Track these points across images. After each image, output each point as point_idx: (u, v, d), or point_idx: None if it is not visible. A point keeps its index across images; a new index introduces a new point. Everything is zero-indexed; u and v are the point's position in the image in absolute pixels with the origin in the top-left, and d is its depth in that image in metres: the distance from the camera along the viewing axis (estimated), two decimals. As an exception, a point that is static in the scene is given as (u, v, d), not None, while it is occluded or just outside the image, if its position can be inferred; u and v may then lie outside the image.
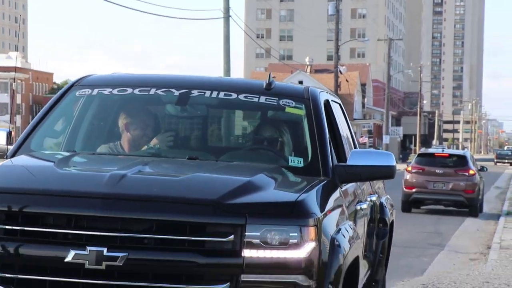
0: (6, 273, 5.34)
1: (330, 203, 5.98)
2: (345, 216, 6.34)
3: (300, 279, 5.33)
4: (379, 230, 8.68)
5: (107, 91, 7.22)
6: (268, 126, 7.20)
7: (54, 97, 7.31)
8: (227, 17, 50.62)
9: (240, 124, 7.59)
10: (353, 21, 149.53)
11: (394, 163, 6.77)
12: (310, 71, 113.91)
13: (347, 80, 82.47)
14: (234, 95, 7.12)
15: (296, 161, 6.68)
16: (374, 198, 8.45)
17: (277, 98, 7.07)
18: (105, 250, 5.21)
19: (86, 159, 6.62)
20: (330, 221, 5.78)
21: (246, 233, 5.27)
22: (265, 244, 5.28)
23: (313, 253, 5.36)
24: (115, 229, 5.27)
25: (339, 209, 6.20)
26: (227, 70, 50.11)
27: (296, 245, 5.32)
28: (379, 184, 9.14)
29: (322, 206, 5.72)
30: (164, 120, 7.31)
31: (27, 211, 5.35)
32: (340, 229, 5.94)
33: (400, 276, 15.17)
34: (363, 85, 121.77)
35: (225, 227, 5.29)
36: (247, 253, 5.26)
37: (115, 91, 7.21)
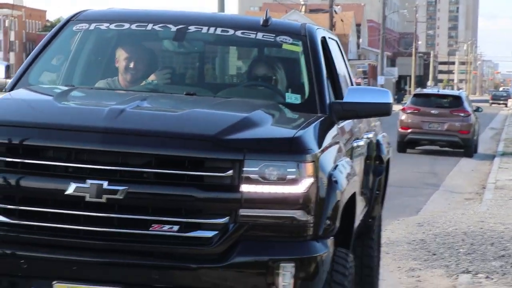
0: (8, 205, 5.35)
1: (327, 140, 5.96)
2: (342, 153, 6.34)
3: (298, 214, 5.34)
4: (376, 167, 8.71)
5: (104, 26, 7.18)
6: (265, 63, 7.15)
7: (51, 32, 7.28)
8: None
9: (237, 61, 7.56)
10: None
11: (390, 100, 6.73)
12: (305, 11, 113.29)
13: (342, 20, 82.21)
14: (231, 31, 7.05)
15: (293, 98, 6.66)
16: (371, 135, 8.47)
17: (274, 35, 7.02)
18: (105, 183, 5.21)
19: (84, 94, 6.61)
20: (328, 158, 5.78)
21: (245, 169, 5.27)
22: (263, 180, 5.28)
23: (311, 188, 5.37)
24: (115, 163, 5.27)
25: (336, 146, 6.19)
26: (221, 9, 49.95)
27: (294, 181, 5.32)
28: (375, 122, 9.15)
29: (320, 143, 5.70)
30: (162, 55, 7.28)
31: (27, 144, 5.35)
32: (337, 166, 5.94)
33: (395, 215, 15.30)
34: (358, 26, 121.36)
35: (224, 162, 5.29)
36: (245, 188, 5.27)
37: (112, 26, 7.17)
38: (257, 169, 5.29)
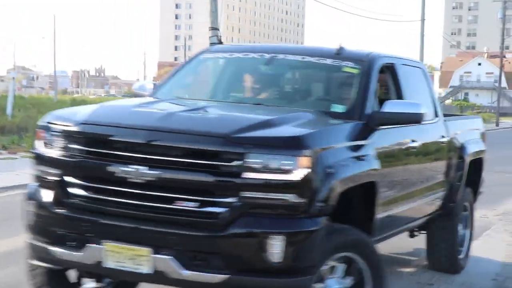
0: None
1: (343, 139, 4.82)
2: (363, 151, 5.04)
3: (290, 197, 4.23)
4: (457, 164, 7.25)
5: (222, 55, 6.45)
6: (327, 81, 6.01)
7: (188, 60, 6.57)
8: (423, 20, 48.64)
9: (308, 79, 6.27)
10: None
11: (420, 111, 5.45)
12: (487, 56, 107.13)
13: (509, 62, 77.09)
14: (308, 58, 5.99)
15: (339, 108, 5.45)
16: (444, 139, 6.95)
17: (340, 61, 5.85)
18: (145, 168, 4.34)
19: (169, 103, 5.57)
20: (332, 153, 4.58)
21: (247, 160, 4.23)
22: (263, 169, 4.22)
23: (305, 177, 4.24)
24: (153, 153, 4.36)
25: (354, 145, 4.96)
26: (421, 57, 47.99)
27: (289, 171, 4.23)
28: (467, 129, 7.72)
29: (328, 141, 4.57)
30: (254, 75, 6.24)
31: (95, 136, 4.58)
32: (343, 160, 4.70)
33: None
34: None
35: (232, 154, 4.26)
36: (247, 175, 4.22)
37: (226, 55, 6.41)
38: (258, 160, 4.23)
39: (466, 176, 7.51)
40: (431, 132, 6.77)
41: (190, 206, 4.29)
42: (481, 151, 8.09)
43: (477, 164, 7.95)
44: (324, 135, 4.61)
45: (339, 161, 4.62)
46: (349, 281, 4.84)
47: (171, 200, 4.32)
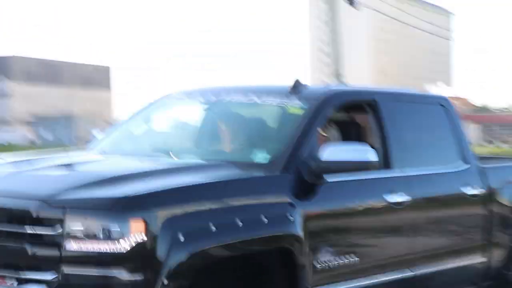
0: None
1: (213, 197, 3.85)
2: (272, 209, 4.06)
3: (121, 273, 3.41)
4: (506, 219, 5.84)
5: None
6: (265, 126, 5.03)
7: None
8: None
9: (247, 124, 5.17)
10: None
11: (368, 158, 4.42)
12: None
13: None
14: (255, 100, 5.01)
15: (262, 158, 4.48)
16: (479, 191, 5.61)
17: (288, 101, 4.84)
18: None
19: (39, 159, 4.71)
20: (197, 216, 3.69)
21: (68, 227, 3.48)
22: (86, 237, 3.45)
23: (139, 248, 3.42)
24: None
25: (259, 203, 4.03)
26: None
27: (117, 239, 3.42)
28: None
29: (179, 200, 3.67)
30: (189, 123, 5.45)
31: None
32: (224, 222, 3.76)
33: None
34: None
35: (51, 220, 3.52)
36: (68, 245, 3.47)
37: (177, 102, 5.60)
38: (79, 228, 3.47)
39: None
40: (448, 183, 5.49)
41: (7, 284, 3.57)
42: None
43: None
44: (182, 193, 3.74)
45: (208, 225, 3.70)
46: None
47: None
